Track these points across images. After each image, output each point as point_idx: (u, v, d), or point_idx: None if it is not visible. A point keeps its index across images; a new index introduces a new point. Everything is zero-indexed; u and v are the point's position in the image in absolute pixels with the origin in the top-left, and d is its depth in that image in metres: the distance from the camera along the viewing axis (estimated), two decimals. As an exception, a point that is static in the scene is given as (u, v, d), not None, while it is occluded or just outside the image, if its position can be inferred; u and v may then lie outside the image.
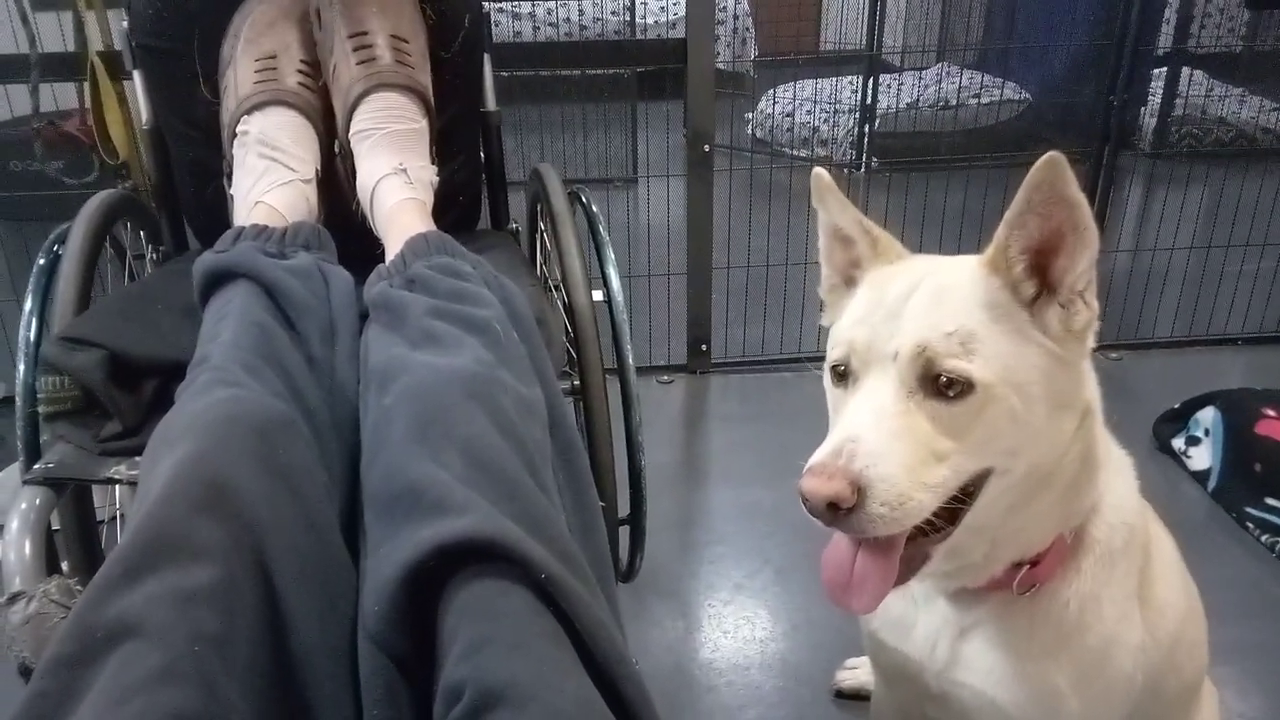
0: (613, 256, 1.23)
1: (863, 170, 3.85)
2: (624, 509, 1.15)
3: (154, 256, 1.37)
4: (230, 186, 1.19)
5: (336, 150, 1.21)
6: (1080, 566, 0.74)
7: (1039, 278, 0.67)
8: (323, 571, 0.67)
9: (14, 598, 0.78)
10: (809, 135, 4.06)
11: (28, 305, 1.22)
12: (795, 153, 4.07)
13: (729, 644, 1.43)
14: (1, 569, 0.82)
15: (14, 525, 0.83)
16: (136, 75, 1.27)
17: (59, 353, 0.91)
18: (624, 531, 1.17)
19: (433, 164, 1.20)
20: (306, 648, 0.63)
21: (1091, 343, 0.69)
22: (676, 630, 1.46)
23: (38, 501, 0.85)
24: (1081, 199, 0.63)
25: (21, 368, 1.17)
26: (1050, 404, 0.66)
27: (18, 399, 1.16)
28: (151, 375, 0.94)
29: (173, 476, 0.65)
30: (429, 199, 1.16)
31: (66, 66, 2.01)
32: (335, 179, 1.21)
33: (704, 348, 2.30)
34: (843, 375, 0.69)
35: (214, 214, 1.28)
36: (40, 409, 0.94)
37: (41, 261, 1.24)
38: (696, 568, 1.61)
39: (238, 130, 1.16)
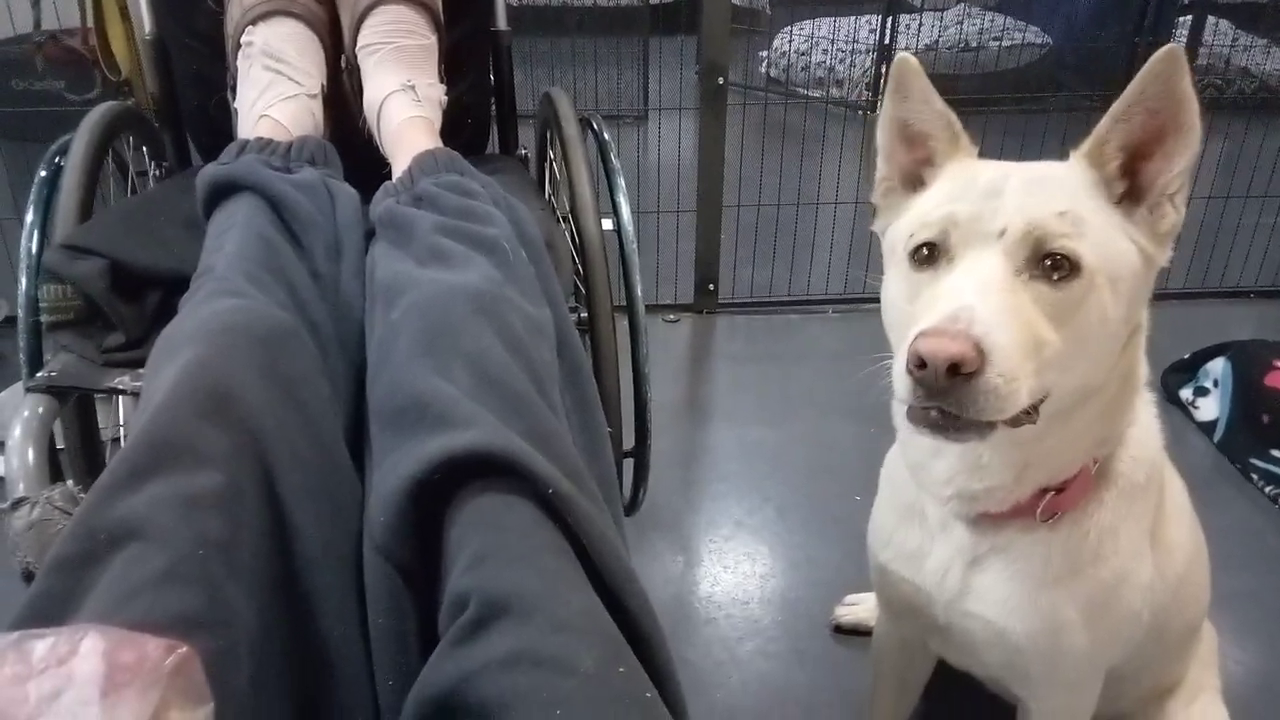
0: (623, 185, 1.20)
1: (876, 112, 3.78)
2: (628, 442, 1.14)
3: (157, 172, 1.35)
4: (234, 99, 1.16)
5: (343, 65, 1.18)
6: (1103, 498, 0.73)
7: (1130, 179, 0.65)
8: (326, 482, 0.66)
9: (18, 503, 0.78)
10: (825, 75, 3.98)
11: (29, 217, 1.20)
12: (810, 93, 3.99)
13: (729, 579, 1.44)
14: (4, 476, 0.82)
15: (16, 432, 0.82)
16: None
17: (61, 260, 0.90)
18: (628, 465, 1.16)
19: (441, 82, 1.17)
20: (310, 556, 0.62)
21: (1171, 250, 0.67)
22: (677, 565, 1.47)
23: (40, 409, 0.84)
24: (1194, 97, 0.61)
25: (24, 279, 1.16)
26: (1129, 307, 0.65)
27: (19, 310, 1.15)
28: (154, 286, 0.93)
29: (176, 383, 0.64)
30: (437, 118, 1.13)
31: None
32: (342, 94, 1.18)
33: (711, 287, 2.28)
34: (929, 258, 0.64)
35: (217, 128, 1.26)
36: (43, 319, 0.93)
37: (43, 173, 1.22)
38: (698, 503, 1.61)
39: (242, 41, 1.13)
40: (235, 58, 1.14)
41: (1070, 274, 0.61)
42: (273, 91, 1.10)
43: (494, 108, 1.41)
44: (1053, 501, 0.71)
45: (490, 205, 0.88)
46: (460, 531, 0.57)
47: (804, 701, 1.21)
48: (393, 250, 0.85)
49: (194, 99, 1.29)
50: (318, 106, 1.13)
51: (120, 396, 0.97)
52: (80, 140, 1.10)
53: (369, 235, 0.94)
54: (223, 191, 0.95)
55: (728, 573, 1.45)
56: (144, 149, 1.31)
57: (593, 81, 3.30)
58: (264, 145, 1.00)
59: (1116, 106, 0.63)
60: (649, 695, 0.51)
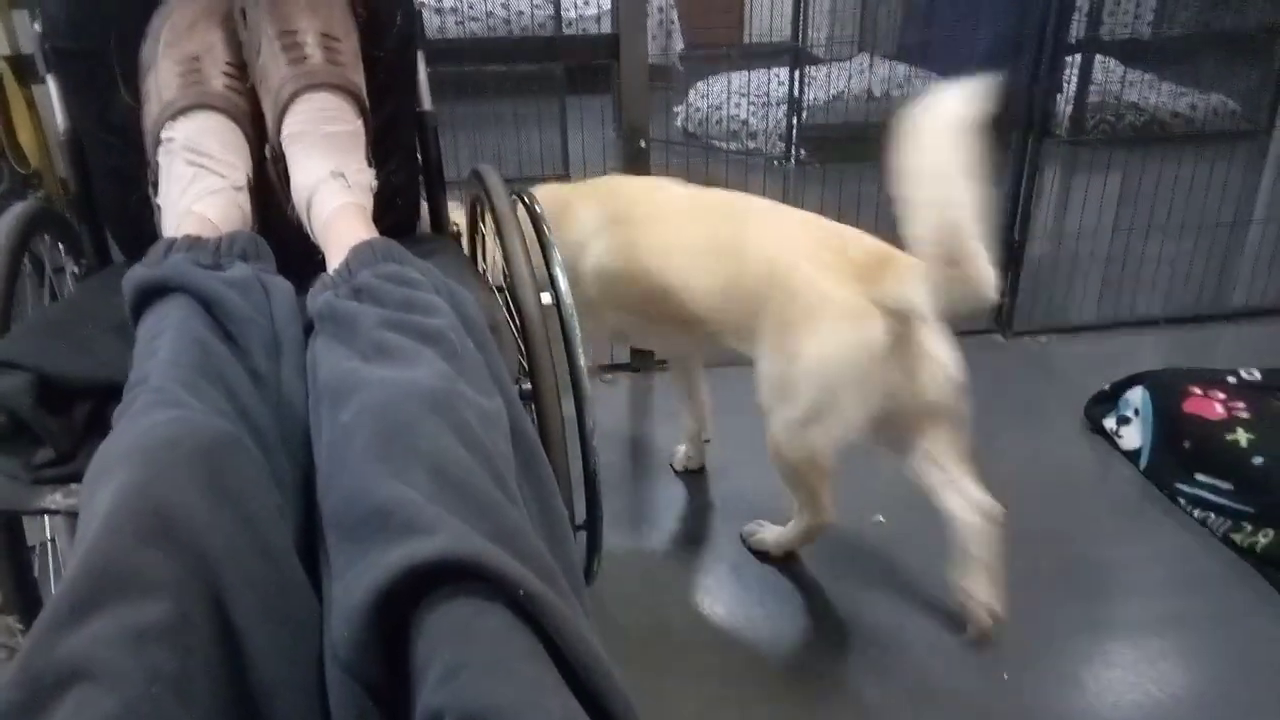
0: (560, 257, 1.21)
1: (792, 163, 3.89)
2: (580, 515, 1.14)
3: (75, 270, 1.31)
4: (156, 196, 1.14)
5: (268, 154, 1.16)
6: None
7: None
8: (281, 600, 0.64)
9: (-56, 640, 0.73)
10: (739, 128, 4.08)
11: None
12: (726, 145, 4.09)
13: (692, 637, 1.44)
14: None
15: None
16: (50, 80, 1.20)
17: (-17, 377, 0.86)
18: (580, 537, 1.16)
19: (370, 166, 1.17)
20: (269, 682, 0.60)
21: None
22: (640, 629, 1.46)
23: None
24: None
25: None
26: None
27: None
28: (84, 398, 0.89)
29: (115, 507, 0.62)
30: (369, 203, 1.12)
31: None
32: (268, 185, 1.17)
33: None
34: None
35: (139, 224, 1.22)
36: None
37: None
38: (652, 566, 1.61)
39: (162, 137, 1.11)
40: (156, 154, 1.12)
41: None
42: (197, 186, 1.08)
43: (423, 186, 1.40)
44: None
45: (432, 293, 0.88)
46: (429, 643, 0.56)
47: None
48: (335, 346, 0.84)
49: (113, 195, 1.25)
50: (244, 199, 1.12)
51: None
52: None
53: (307, 330, 0.92)
54: (151, 294, 0.92)
55: (690, 632, 1.45)
56: (60, 246, 1.27)
57: (515, 144, 3.32)
58: (192, 243, 0.98)
59: None
60: None
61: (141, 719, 0.52)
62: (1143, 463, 1.81)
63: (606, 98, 3.50)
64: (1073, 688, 1.33)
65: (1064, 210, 3.06)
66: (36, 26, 1.18)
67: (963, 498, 1.38)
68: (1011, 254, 2.36)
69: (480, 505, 0.64)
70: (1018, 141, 2.29)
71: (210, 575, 0.61)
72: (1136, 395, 1.88)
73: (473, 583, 0.58)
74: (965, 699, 1.32)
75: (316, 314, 0.90)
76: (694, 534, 1.70)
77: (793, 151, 3.89)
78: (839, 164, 2.65)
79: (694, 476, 1.87)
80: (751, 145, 4.04)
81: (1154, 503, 1.74)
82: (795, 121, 3.87)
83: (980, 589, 1.39)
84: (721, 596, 1.52)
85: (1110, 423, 1.92)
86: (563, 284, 1.17)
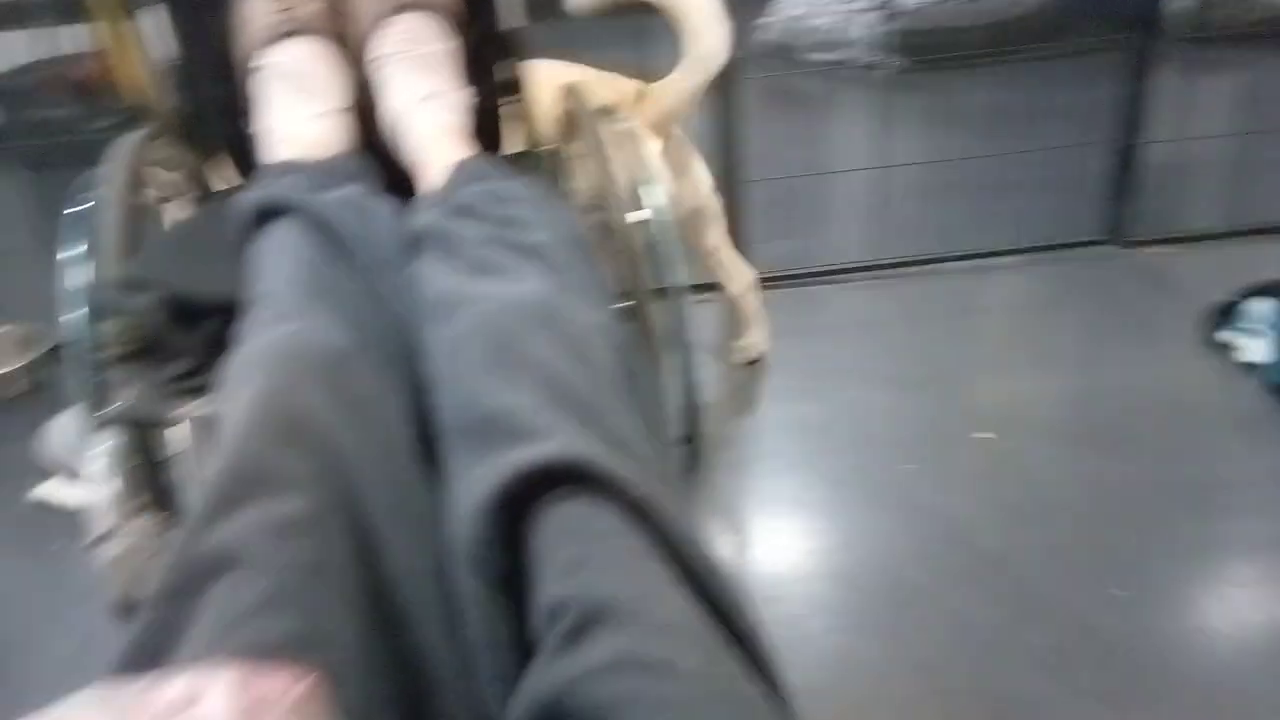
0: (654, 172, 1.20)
1: (888, 71, 3.74)
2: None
3: (187, 197, 1.36)
4: (255, 123, 1.17)
5: (364, 78, 1.18)
6: None
7: None
8: (406, 499, 0.68)
9: (102, 537, 0.80)
10: (829, 37, 3.93)
11: (70, 251, 1.22)
12: (815, 57, 3.95)
13: (788, 556, 1.45)
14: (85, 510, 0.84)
15: (96, 466, 0.84)
16: (160, 11, 1.23)
17: (119, 296, 0.91)
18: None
19: (463, 86, 1.17)
20: (399, 572, 0.63)
21: None
22: (734, 546, 1.48)
23: (115, 443, 0.86)
24: None
25: (73, 314, 1.18)
26: None
27: (71, 344, 1.17)
28: (210, 314, 0.94)
29: (250, 412, 0.65)
30: (464, 122, 1.13)
31: (75, 8, 1.97)
32: (364, 109, 1.18)
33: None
34: None
35: (244, 152, 1.26)
36: (103, 353, 0.94)
37: (76, 209, 1.23)
38: (750, 484, 1.62)
39: (253, 66, 1.13)
40: (249, 82, 1.15)
41: None
42: (295, 112, 1.11)
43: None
44: None
45: (531, 209, 0.89)
46: (548, 540, 0.58)
47: (879, 673, 1.22)
48: (439, 264, 0.86)
49: (221, 122, 1.29)
50: (347, 121, 1.14)
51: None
52: (111, 173, 1.12)
53: (409, 248, 0.94)
54: (262, 217, 0.95)
55: (787, 550, 1.46)
56: (170, 175, 1.32)
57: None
58: (295, 167, 1.01)
59: None
60: (753, 691, 0.51)
61: (287, 603, 0.56)
62: (1269, 377, 1.72)
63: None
64: (1187, 606, 1.30)
65: (1186, 114, 2.87)
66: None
67: (734, 277, 1.88)
68: (1124, 160, 2.24)
69: (589, 412, 0.65)
70: (1132, 41, 2.15)
71: (341, 474, 0.64)
72: (1264, 306, 1.78)
73: (587, 484, 0.59)
74: (1072, 614, 1.30)
75: (419, 233, 0.92)
76: (788, 454, 1.70)
77: (888, 59, 3.73)
78: (937, 71, 2.54)
79: (791, 404, 1.86)
80: (843, 54, 3.88)
81: (1273, 420, 1.66)
82: (891, 27, 3.69)
83: (757, 337, 1.90)
84: (822, 512, 1.53)
85: (1230, 334, 1.83)
86: (660, 198, 1.17)
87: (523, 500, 0.61)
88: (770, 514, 1.53)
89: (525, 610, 0.60)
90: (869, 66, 3.77)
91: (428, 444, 0.76)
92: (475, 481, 0.63)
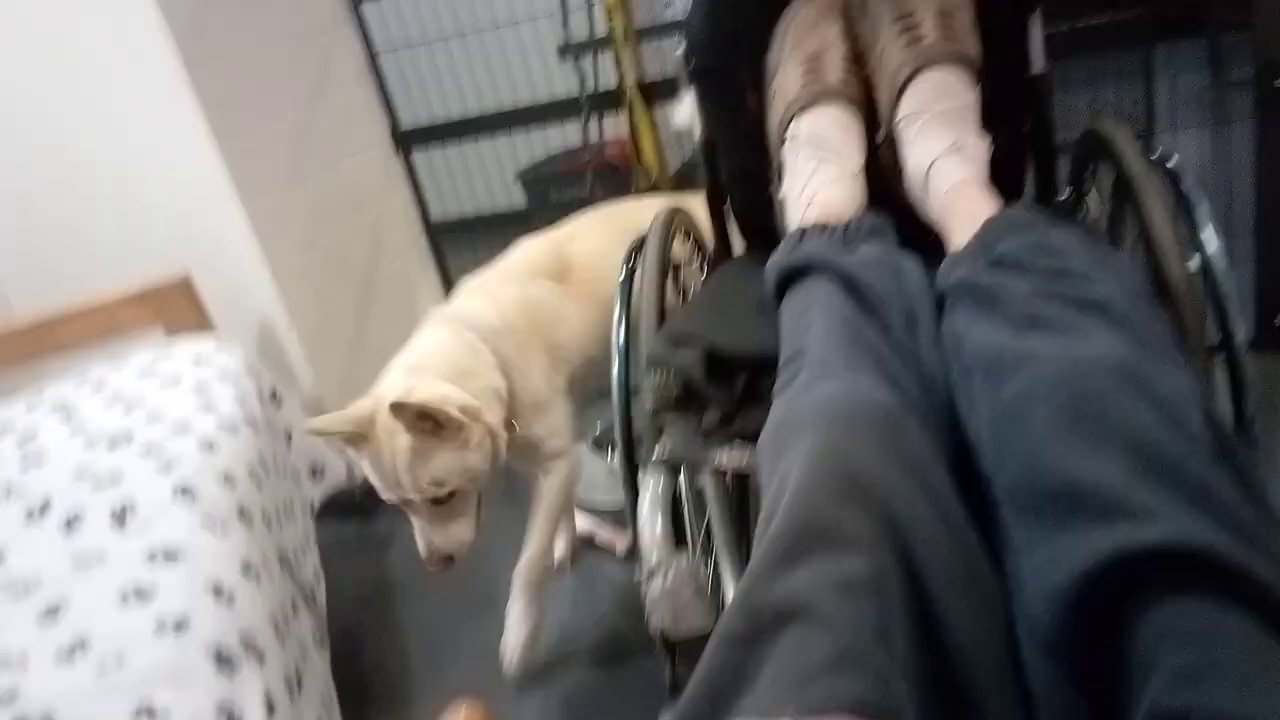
0: (1208, 214, 1.05)
1: None
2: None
3: (699, 263, 1.49)
4: (780, 190, 1.24)
5: (879, 139, 1.19)
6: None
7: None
8: (966, 569, 0.64)
9: (653, 571, 0.87)
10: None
11: (615, 311, 1.39)
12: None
13: None
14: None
15: (645, 504, 0.93)
16: (689, 94, 1.38)
17: (666, 351, 1.01)
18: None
19: (983, 137, 1.13)
20: (963, 649, 0.60)
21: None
22: None
23: (662, 484, 0.94)
24: None
25: (615, 367, 1.34)
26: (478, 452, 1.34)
27: (614, 392, 1.33)
28: (741, 368, 1.00)
29: (809, 467, 0.67)
30: (985, 174, 1.09)
31: (605, 102, 2.28)
32: (879, 168, 1.20)
33: (1278, 323, 1.92)
34: None
35: (761, 218, 1.35)
36: (647, 402, 1.05)
37: (622, 273, 1.41)
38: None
39: (787, 135, 1.20)
40: (780, 150, 1.22)
41: (450, 495, 1.34)
42: (819, 176, 1.15)
43: (1029, 153, 1.33)
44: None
45: (1087, 261, 0.81)
46: (1154, 638, 0.51)
47: None
48: (980, 320, 0.82)
49: (739, 193, 1.40)
50: (860, 184, 1.16)
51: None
52: (653, 240, 1.25)
53: (938, 305, 0.92)
54: (792, 277, 1.00)
55: None
56: (689, 244, 1.45)
57: (1080, 104, 3.02)
58: (822, 229, 1.04)
59: None
60: None
61: (857, 665, 0.55)
62: None
63: (1193, 42, 2.99)
64: None
65: None
66: (679, 51, 1.36)
67: None
68: None
69: (1195, 489, 0.57)
70: None
71: (899, 537, 0.63)
72: None
73: (1205, 578, 0.51)
74: None
75: (952, 288, 0.89)
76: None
77: None
78: None
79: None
80: None
81: None
82: None
83: None
84: None
85: None
86: (1214, 245, 1.02)
87: (1114, 587, 0.54)
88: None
89: (1106, 704, 0.54)
90: None
91: (970, 510, 0.72)
92: (1055, 559, 0.58)
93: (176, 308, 1.70)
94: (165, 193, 1.86)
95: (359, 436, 1.32)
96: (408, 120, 2.41)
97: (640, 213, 1.67)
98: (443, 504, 1.33)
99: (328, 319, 2.04)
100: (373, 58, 2.29)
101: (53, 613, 1.03)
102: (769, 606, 0.60)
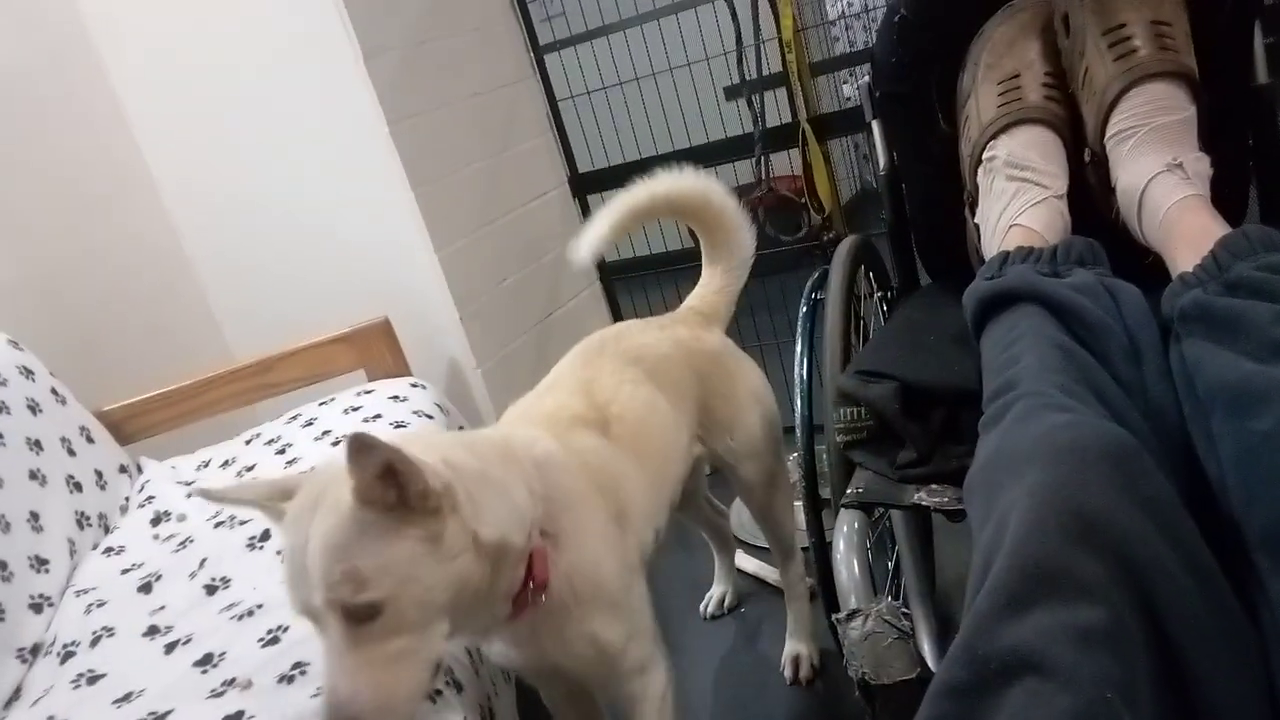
0: None
1: None
2: None
3: (881, 295, 1.44)
4: (974, 216, 1.18)
5: (1086, 159, 1.12)
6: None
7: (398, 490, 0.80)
8: (1215, 620, 0.58)
9: (852, 615, 0.84)
10: None
11: (798, 347, 1.37)
12: None
13: None
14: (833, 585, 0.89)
15: (840, 546, 0.89)
16: (875, 125, 1.35)
17: (857, 385, 0.98)
18: None
19: (1204, 153, 1.05)
20: (1218, 710, 0.54)
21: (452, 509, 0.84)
22: None
23: (856, 524, 0.91)
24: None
25: (799, 402, 1.31)
26: (445, 573, 0.83)
27: (798, 429, 1.30)
28: (938, 404, 0.95)
29: (1034, 505, 0.62)
30: (1208, 193, 1.01)
31: (774, 138, 2.27)
32: (1084, 190, 1.13)
33: None
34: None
35: (948, 248, 1.30)
36: (838, 438, 1.02)
37: (804, 308, 1.39)
38: None
39: (984, 157, 1.15)
40: (975, 175, 1.17)
41: (376, 612, 0.79)
42: (1020, 200, 1.09)
43: (1252, 171, 1.22)
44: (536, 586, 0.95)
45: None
46: None
47: None
48: (1217, 348, 0.75)
49: (924, 221, 1.35)
50: (1064, 207, 1.10)
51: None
52: (837, 273, 1.23)
53: (1163, 333, 0.85)
54: (995, 305, 0.95)
55: None
56: (870, 274, 1.42)
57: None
58: (1028, 253, 0.99)
59: None
60: None
61: (1100, 722, 0.50)
62: None
63: None
64: None
65: None
66: (865, 78, 1.33)
67: None
68: None
69: None
70: None
71: (1138, 582, 0.57)
72: None
73: None
74: None
75: (1181, 315, 0.82)
76: None
77: None
78: None
79: None
80: None
81: None
82: None
83: None
84: None
85: None
86: None
87: None
88: None
89: None
90: None
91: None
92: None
93: (376, 350, 1.81)
94: (368, 243, 1.98)
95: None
96: (583, 164, 2.49)
97: (638, 335, 1.32)
98: (364, 626, 0.79)
99: (509, 359, 2.11)
100: (553, 105, 2.38)
101: (274, 636, 1.10)
102: (995, 656, 0.56)
